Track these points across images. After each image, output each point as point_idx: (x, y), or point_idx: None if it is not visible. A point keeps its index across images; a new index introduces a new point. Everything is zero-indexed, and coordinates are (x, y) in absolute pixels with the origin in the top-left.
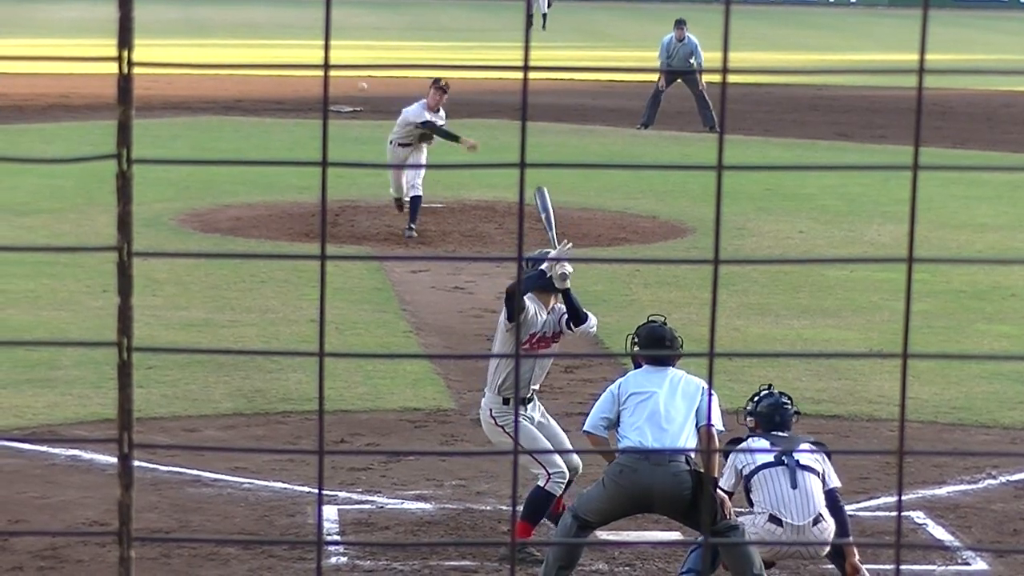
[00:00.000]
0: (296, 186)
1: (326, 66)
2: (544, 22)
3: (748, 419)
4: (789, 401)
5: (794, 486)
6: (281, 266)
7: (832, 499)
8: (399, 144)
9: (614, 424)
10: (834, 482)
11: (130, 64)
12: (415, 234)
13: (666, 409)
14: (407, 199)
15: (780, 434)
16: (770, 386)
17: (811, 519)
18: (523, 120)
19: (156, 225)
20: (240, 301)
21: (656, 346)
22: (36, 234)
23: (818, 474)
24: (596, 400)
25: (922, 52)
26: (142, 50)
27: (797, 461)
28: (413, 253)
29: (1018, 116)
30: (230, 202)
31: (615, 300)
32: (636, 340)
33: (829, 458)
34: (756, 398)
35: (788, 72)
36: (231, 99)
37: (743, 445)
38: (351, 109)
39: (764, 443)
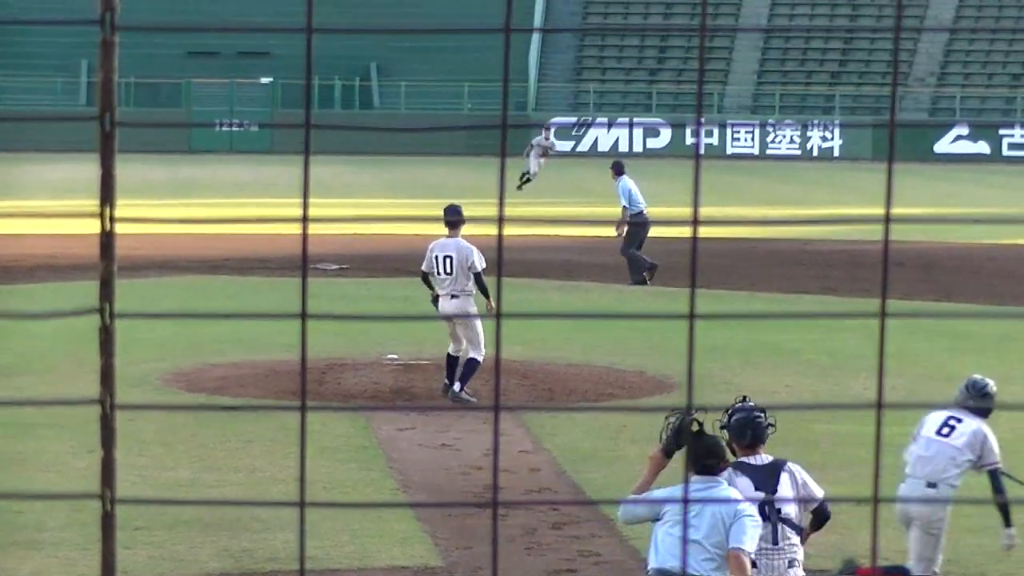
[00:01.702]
0: (283, 344)
1: (304, 220)
2: (522, 183)
3: (722, 431)
4: (763, 415)
5: (775, 542)
6: (268, 425)
7: (819, 511)
8: (452, 296)
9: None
10: (817, 494)
11: (112, 220)
12: (473, 399)
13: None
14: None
15: (757, 461)
16: (745, 398)
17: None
18: (499, 270)
19: (142, 385)
20: (227, 461)
21: (708, 459)
22: (23, 395)
23: (796, 527)
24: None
25: (888, 200)
26: (126, 209)
27: (779, 511)
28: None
29: (1002, 268)
30: (216, 361)
31: (602, 456)
32: (727, 425)
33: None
34: (730, 411)
35: (755, 223)
36: (217, 258)
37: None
38: (337, 267)
39: (746, 481)
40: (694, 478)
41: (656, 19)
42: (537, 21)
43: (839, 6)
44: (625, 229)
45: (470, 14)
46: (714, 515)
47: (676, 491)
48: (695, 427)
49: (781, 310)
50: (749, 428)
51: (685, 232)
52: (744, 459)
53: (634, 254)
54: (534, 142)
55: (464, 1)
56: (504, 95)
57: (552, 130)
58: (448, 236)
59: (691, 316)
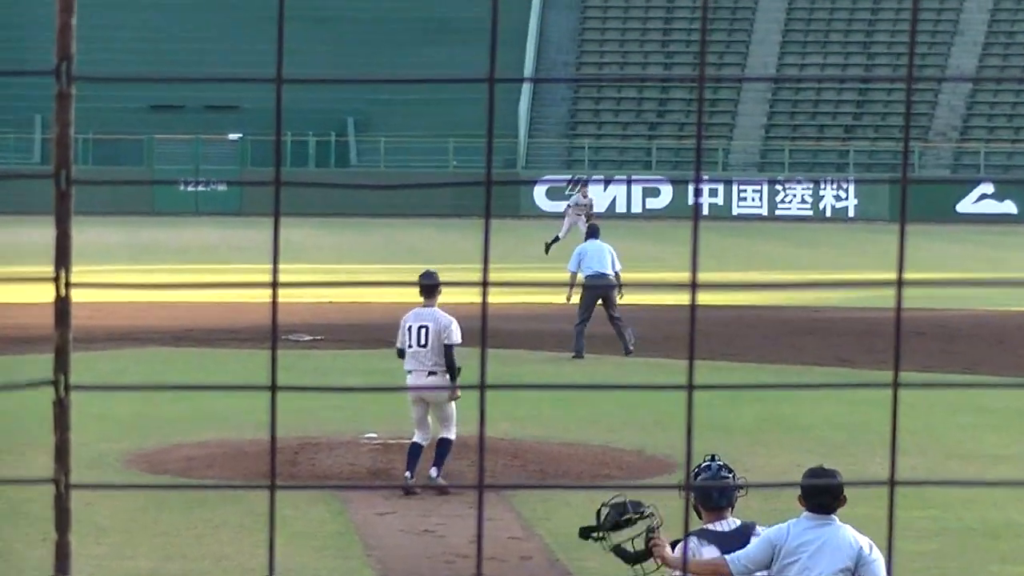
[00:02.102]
0: (253, 422)
1: (274, 285)
2: (549, 245)
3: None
4: (731, 474)
5: None
6: (236, 509)
7: None
8: (429, 372)
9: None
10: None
11: (68, 286)
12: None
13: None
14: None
15: (723, 527)
16: (713, 457)
17: None
18: (483, 338)
19: (100, 465)
20: (192, 548)
21: (821, 496)
22: None
23: None
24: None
25: (900, 262)
26: (82, 275)
27: None
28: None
29: None
30: (181, 440)
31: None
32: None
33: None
34: (696, 470)
35: (761, 288)
36: (181, 329)
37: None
38: (311, 337)
39: (712, 550)
40: (805, 514)
41: (656, 69)
42: (527, 71)
43: (852, 55)
44: (574, 295)
45: (455, 64)
46: (832, 555)
47: (784, 530)
48: (625, 516)
49: (789, 382)
50: (715, 490)
51: (685, 299)
52: (709, 526)
53: (579, 327)
54: (571, 202)
55: (449, 51)
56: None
57: (588, 186)
58: (423, 305)
59: (689, 387)
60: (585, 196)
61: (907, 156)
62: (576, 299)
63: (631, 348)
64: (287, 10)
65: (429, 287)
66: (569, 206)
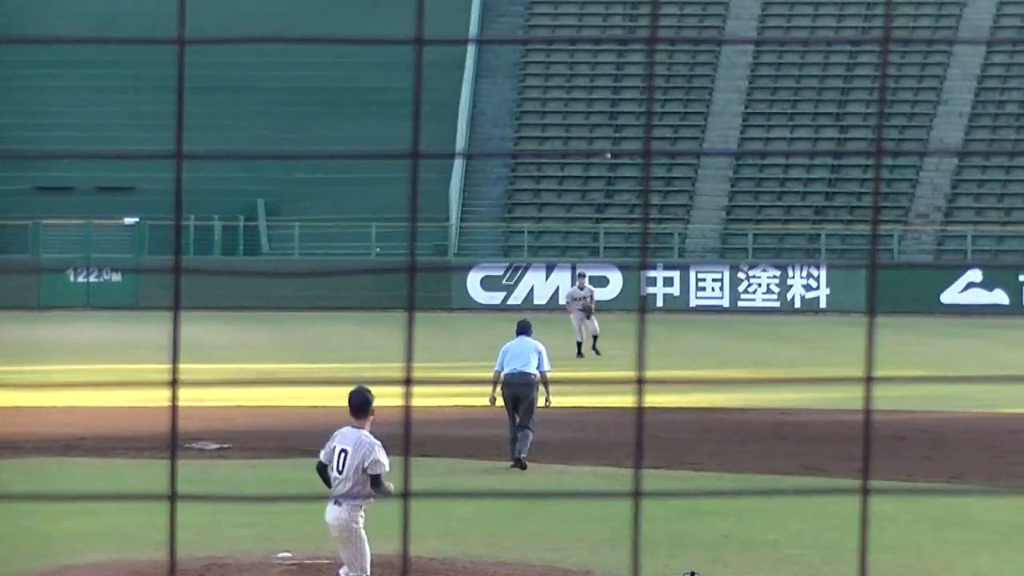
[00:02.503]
0: (152, 540)
1: (174, 384)
2: (582, 350)
3: None
4: None
5: None
6: None
7: None
8: (335, 502)
9: None
10: None
11: None
12: None
13: None
14: None
15: None
16: (693, 573)
17: None
18: (407, 445)
19: None
20: None
21: None
22: None
23: None
24: None
25: (869, 355)
26: None
27: None
28: None
29: None
30: (71, 562)
31: None
32: None
33: None
34: None
35: (721, 384)
36: (71, 436)
37: None
38: (217, 446)
39: None
40: None
41: (603, 143)
42: (459, 146)
43: (823, 127)
44: (497, 397)
45: (379, 139)
46: None
47: None
48: None
49: (764, 500)
50: None
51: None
52: None
53: (512, 433)
54: (568, 296)
55: (374, 124)
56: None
57: (586, 277)
58: (354, 424)
59: (636, 495)
60: (583, 287)
61: (876, 239)
62: (501, 401)
63: (521, 458)
64: (195, 80)
65: (357, 405)
66: (568, 300)
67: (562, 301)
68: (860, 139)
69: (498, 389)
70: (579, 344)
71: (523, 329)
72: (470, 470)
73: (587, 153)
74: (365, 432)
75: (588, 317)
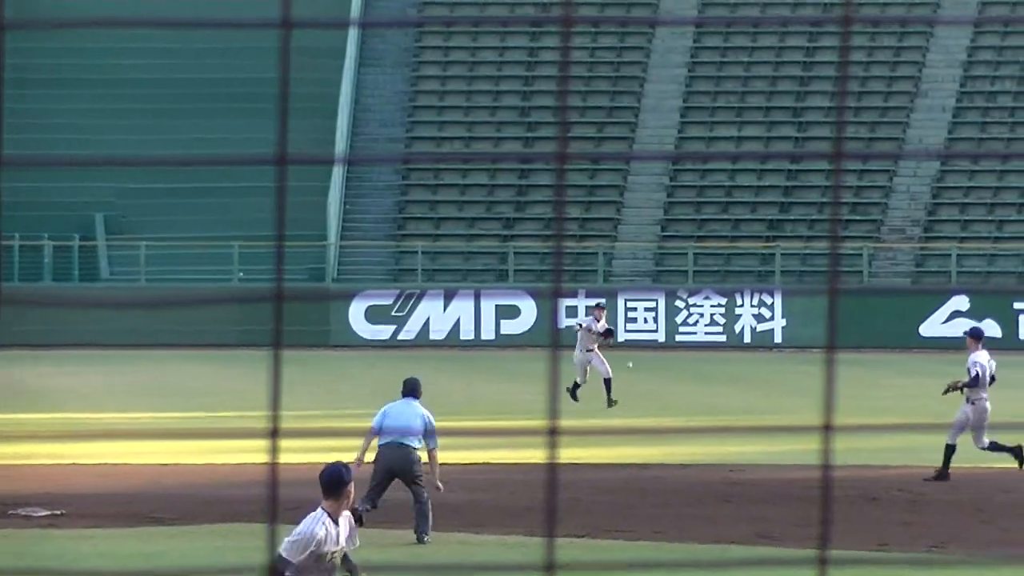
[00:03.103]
0: None
1: None
2: (574, 390)
3: None
4: None
5: None
6: None
7: None
8: None
9: None
10: None
11: None
12: None
13: None
14: None
15: None
16: None
17: None
18: (272, 510)
19: None
20: None
21: None
22: None
23: None
24: None
25: (829, 401)
26: None
27: None
28: None
29: (1020, 502)
30: None
31: None
32: None
33: None
34: None
35: (647, 436)
36: None
37: None
38: (48, 512)
39: None
40: None
41: (513, 145)
42: (339, 149)
43: (779, 124)
44: (365, 458)
45: (250, 140)
46: None
47: None
48: None
49: (692, 560)
50: None
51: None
52: None
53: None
54: (580, 324)
55: (241, 123)
56: (279, 254)
57: (603, 309)
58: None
59: (549, 568)
60: (599, 320)
61: (838, 258)
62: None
63: (425, 538)
64: (27, 71)
65: (327, 486)
66: (580, 325)
67: (568, 323)
68: (821, 139)
69: (368, 453)
70: (576, 386)
71: (411, 390)
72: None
73: (493, 158)
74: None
75: (593, 348)
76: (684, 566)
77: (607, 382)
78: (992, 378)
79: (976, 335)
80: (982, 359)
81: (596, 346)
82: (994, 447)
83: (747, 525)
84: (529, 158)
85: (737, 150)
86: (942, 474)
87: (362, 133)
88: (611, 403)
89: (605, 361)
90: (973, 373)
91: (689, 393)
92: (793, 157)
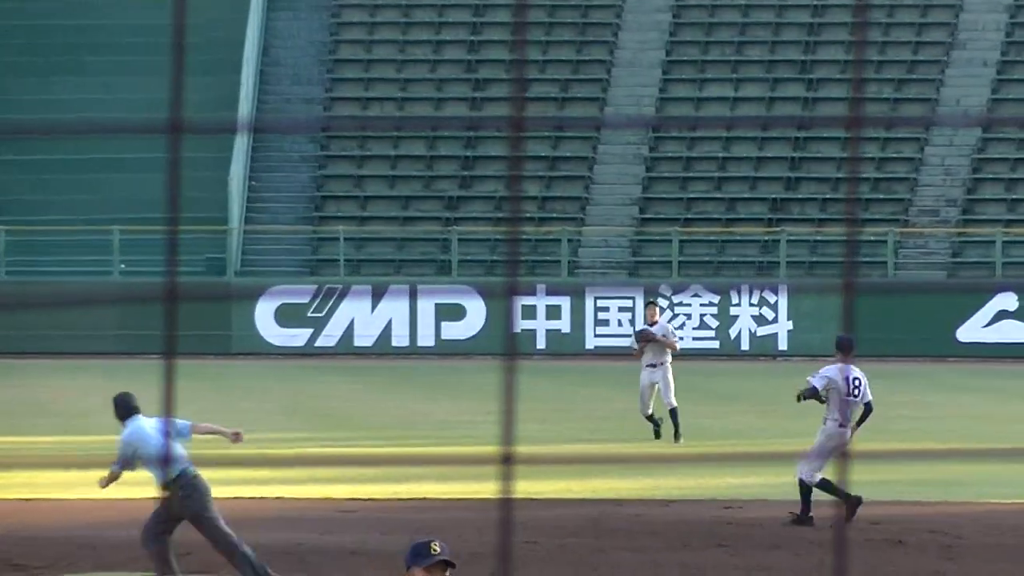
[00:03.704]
0: None
1: None
2: (656, 427)
3: None
4: None
5: None
6: None
7: None
8: None
9: None
10: None
11: None
12: None
13: None
14: None
15: None
16: None
17: None
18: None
19: None
20: None
21: None
22: None
23: None
24: None
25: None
26: None
27: None
28: None
29: None
30: None
31: None
32: None
33: None
34: None
35: (622, 465)
36: None
37: None
38: None
39: None
40: None
41: (456, 108)
42: (243, 111)
43: (784, 82)
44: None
45: (127, 104)
46: None
47: None
48: None
49: None
50: None
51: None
52: None
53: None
54: (637, 342)
55: (113, 83)
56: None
57: (657, 308)
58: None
59: None
60: (654, 321)
61: (855, 247)
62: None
63: None
64: None
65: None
66: (635, 342)
67: (622, 342)
68: (835, 100)
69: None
70: (652, 421)
71: (125, 407)
72: None
73: (433, 124)
74: None
75: (655, 365)
76: None
77: (673, 413)
78: (868, 408)
79: (840, 344)
80: (831, 372)
81: (669, 358)
82: (824, 486)
83: (744, 574)
84: (477, 124)
85: (732, 115)
86: (803, 516)
87: (272, 92)
88: (677, 438)
89: (672, 382)
90: (811, 384)
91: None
92: (801, 123)
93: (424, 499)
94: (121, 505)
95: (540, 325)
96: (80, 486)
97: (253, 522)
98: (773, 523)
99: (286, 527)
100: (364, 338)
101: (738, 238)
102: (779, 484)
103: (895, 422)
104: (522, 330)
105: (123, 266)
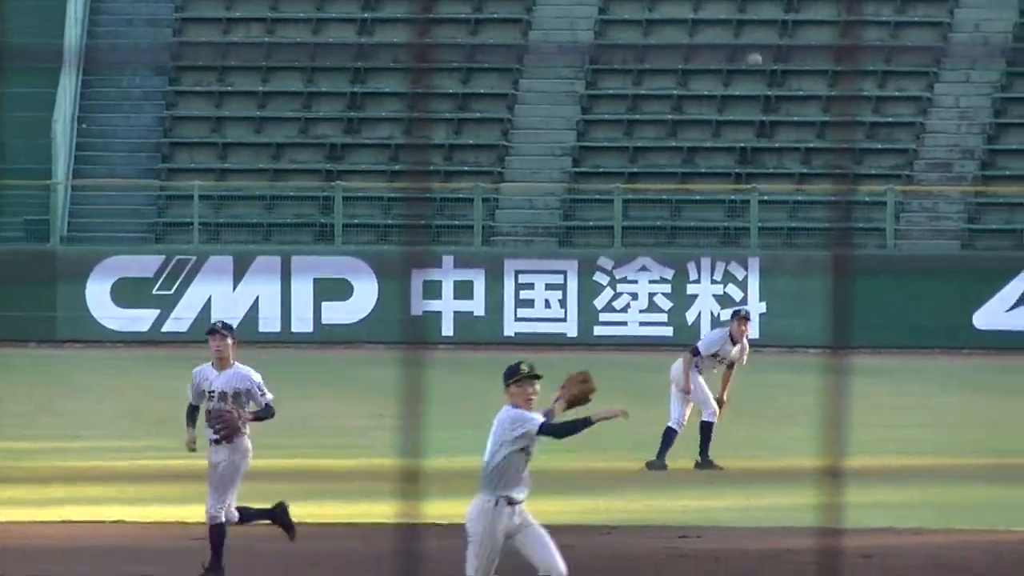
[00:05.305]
0: None
1: None
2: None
3: None
4: None
5: None
6: None
7: None
8: None
9: None
10: None
11: None
12: None
13: None
14: None
15: None
16: None
17: None
18: None
19: None
20: None
21: None
22: None
23: None
24: None
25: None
26: None
27: None
28: None
29: None
30: None
31: None
32: None
33: None
34: None
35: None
36: None
37: None
38: None
39: None
40: None
41: (343, 31)
42: (70, 45)
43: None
44: None
45: None
46: None
47: None
48: None
49: None
50: None
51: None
52: None
53: None
54: (708, 343)
55: None
56: None
57: (748, 322)
58: None
59: None
60: (739, 338)
61: (846, 209)
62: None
63: None
64: None
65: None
66: (706, 354)
67: (701, 347)
68: (821, 23)
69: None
70: (673, 434)
71: None
72: None
73: (312, 51)
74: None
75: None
76: None
77: (706, 430)
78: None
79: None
80: (715, 336)
81: (722, 371)
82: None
83: None
84: (368, 52)
85: (691, 41)
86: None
87: (107, 12)
88: (711, 464)
89: (713, 400)
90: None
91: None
92: (778, 52)
93: (307, 523)
94: None
95: (447, 307)
96: None
97: (85, 551)
98: (742, 555)
99: (127, 558)
100: (226, 316)
101: (697, 198)
102: (750, 508)
103: (898, 429)
104: (424, 313)
105: None
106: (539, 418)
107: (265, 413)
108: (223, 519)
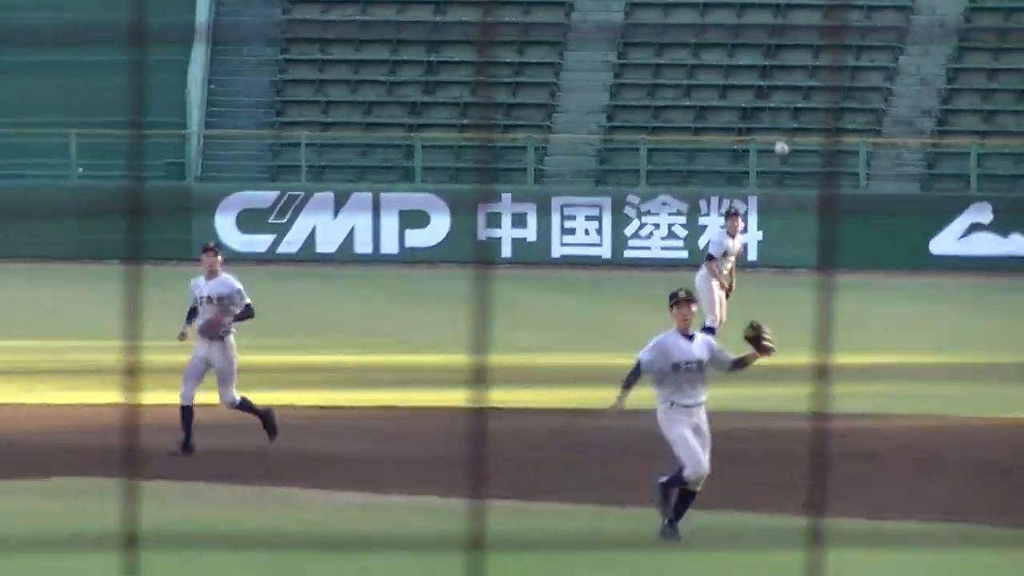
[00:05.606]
0: None
1: None
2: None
3: None
4: None
5: None
6: None
7: None
8: None
9: None
10: None
11: None
12: None
13: None
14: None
15: None
16: None
17: None
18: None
19: None
20: None
21: None
22: None
23: None
24: None
25: (824, 337)
26: None
27: None
28: None
29: None
30: None
31: None
32: None
33: None
34: None
35: (573, 373)
36: None
37: None
38: None
39: None
40: None
41: (422, 11)
42: (201, 21)
43: None
44: None
45: (78, 3)
46: None
47: None
48: None
49: (641, 531)
50: None
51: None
52: None
53: None
54: (715, 244)
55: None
56: (133, 148)
57: (739, 217)
58: None
59: (476, 546)
60: (735, 233)
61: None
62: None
63: None
64: None
65: None
66: (716, 255)
67: (712, 251)
68: (809, 6)
69: None
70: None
71: None
72: (224, 499)
73: (397, 27)
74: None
75: (726, 286)
76: (634, 539)
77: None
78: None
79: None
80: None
81: (729, 271)
82: None
83: (715, 488)
84: (441, 28)
85: (702, 20)
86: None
87: (223, 6)
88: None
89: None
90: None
91: (642, 323)
92: (773, 30)
93: (390, 407)
94: (89, 411)
95: (506, 234)
96: (49, 391)
97: (215, 427)
98: (745, 435)
99: (250, 433)
100: (326, 245)
101: (707, 147)
102: (750, 396)
103: (869, 334)
104: (488, 238)
105: (81, 170)
106: (645, 354)
107: (246, 312)
108: (191, 403)
